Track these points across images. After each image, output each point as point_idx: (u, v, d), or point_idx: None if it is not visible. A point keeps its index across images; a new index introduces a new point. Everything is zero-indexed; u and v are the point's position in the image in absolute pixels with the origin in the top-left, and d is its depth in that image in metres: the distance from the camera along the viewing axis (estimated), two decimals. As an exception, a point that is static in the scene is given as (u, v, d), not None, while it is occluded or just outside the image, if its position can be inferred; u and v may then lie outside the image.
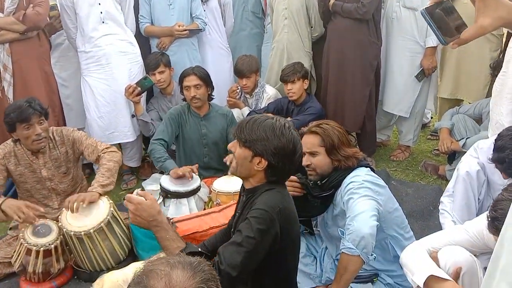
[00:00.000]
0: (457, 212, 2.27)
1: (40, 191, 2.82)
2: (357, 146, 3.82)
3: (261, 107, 3.73)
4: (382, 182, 2.12)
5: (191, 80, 3.24)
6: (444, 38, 0.97)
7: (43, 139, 2.66)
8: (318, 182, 2.14)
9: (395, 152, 4.05)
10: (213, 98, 3.43)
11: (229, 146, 1.76)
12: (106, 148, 2.79)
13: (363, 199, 1.94)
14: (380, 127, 4.08)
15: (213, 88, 3.37)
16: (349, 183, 2.04)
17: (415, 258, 1.75)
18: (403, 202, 3.17)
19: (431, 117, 4.79)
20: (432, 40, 3.49)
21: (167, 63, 3.61)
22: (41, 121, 2.64)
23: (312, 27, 3.91)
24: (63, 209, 2.56)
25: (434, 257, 1.73)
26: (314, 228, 2.37)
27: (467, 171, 2.23)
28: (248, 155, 1.67)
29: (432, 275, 1.61)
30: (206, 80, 3.28)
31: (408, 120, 3.86)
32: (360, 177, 2.05)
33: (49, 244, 2.43)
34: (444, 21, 0.97)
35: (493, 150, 2.06)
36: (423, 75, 3.64)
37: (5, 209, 2.42)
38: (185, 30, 3.66)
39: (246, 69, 3.66)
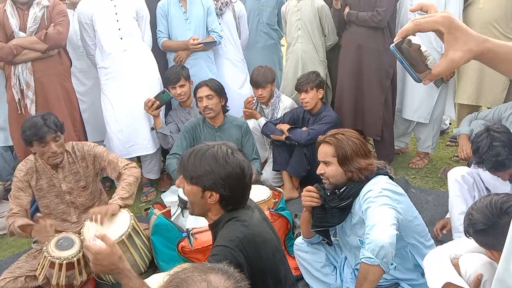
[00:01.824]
0: (459, 219, 2.27)
1: (58, 206, 2.86)
2: (376, 155, 3.80)
3: (277, 117, 3.75)
4: (401, 190, 2.10)
5: (203, 91, 3.31)
6: (417, 75, 0.94)
7: (59, 155, 2.71)
8: (336, 191, 2.14)
9: (414, 160, 4.01)
10: (228, 110, 3.47)
11: (177, 183, 1.69)
12: (126, 164, 2.85)
13: (382, 208, 1.93)
14: (398, 135, 4.05)
15: (227, 99, 3.41)
16: (368, 192, 2.02)
17: (436, 263, 1.74)
18: (423, 210, 3.13)
19: (450, 123, 4.74)
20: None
21: (187, 76, 3.66)
22: (57, 138, 2.66)
23: (325, 36, 3.93)
24: (85, 222, 2.61)
25: (456, 264, 1.71)
26: (333, 238, 2.36)
27: (455, 179, 2.33)
28: (197, 191, 1.61)
29: (448, 282, 1.59)
30: (218, 90, 3.33)
31: (426, 126, 3.83)
32: (379, 185, 2.03)
33: (72, 257, 2.47)
34: (414, 57, 0.94)
35: (472, 153, 2.20)
36: (442, 81, 3.62)
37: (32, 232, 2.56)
38: (199, 43, 3.72)
39: (261, 80, 3.69)
